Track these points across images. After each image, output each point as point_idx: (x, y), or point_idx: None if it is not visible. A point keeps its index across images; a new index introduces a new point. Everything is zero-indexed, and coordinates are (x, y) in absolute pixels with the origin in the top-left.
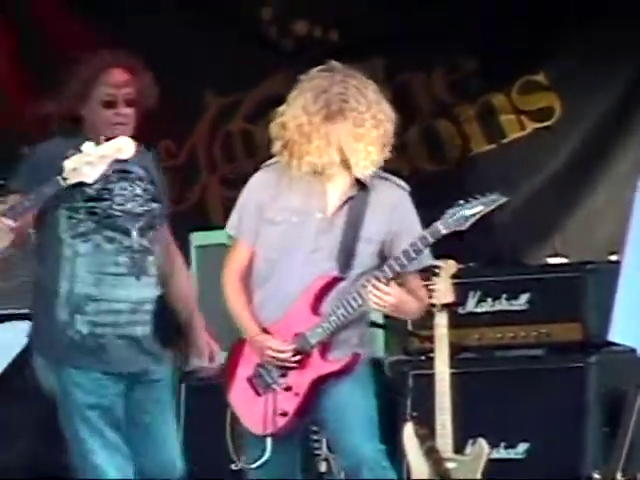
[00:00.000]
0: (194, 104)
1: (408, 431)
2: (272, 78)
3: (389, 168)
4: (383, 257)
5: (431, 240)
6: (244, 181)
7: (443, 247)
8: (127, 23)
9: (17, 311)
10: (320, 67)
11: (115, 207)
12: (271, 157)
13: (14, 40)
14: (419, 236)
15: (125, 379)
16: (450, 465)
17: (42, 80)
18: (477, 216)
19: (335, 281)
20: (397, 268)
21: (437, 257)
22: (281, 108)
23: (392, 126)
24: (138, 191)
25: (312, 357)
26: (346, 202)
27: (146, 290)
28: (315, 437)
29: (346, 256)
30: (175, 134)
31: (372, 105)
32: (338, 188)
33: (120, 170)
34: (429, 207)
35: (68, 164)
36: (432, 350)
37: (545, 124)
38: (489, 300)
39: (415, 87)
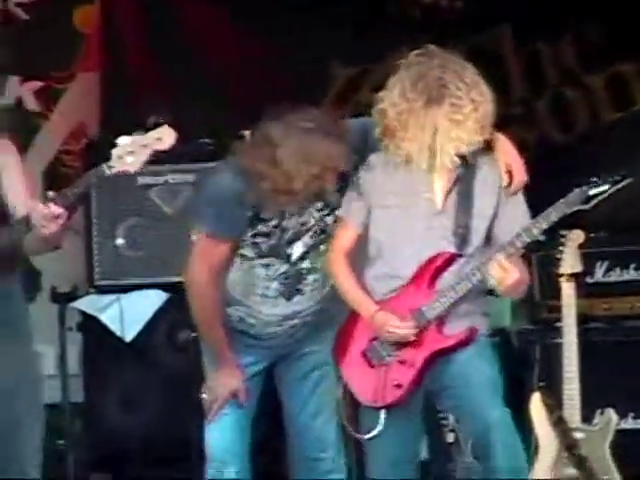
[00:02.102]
0: (321, 76)
1: (535, 401)
2: (399, 48)
3: (517, 138)
4: (490, 233)
5: (555, 219)
6: None
7: (570, 216)
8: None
9: (145, 280)
10: (418, 51)
11: None
12: None
13: (144, 26)
14: (544, 214)
15: None
16: (578, 435)
17: (171, 67)
18: (601, 196)
19: (453, 258)
20: (519, 244)
21: (564, 226)
22: (381, 94)
23: (491, 106)
24: None
25: (429, 331)
26: (455, 183)
27: None
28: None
29: (462, 233)
30: (302, 107)
31: (471, 89)
32: (444, 169)
33: None
34: (557, 177)
35: (115, 152)
36: (559, 320)
37: None
38: (617, 269)
39: (544, 56)
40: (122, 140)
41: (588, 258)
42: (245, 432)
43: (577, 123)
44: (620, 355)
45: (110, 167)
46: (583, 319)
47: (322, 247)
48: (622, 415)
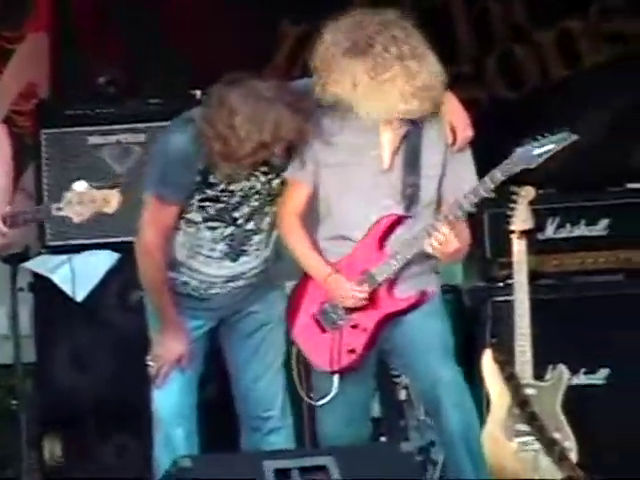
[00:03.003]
0: (271, 35)
1: (487, 358)
2: (350, 6)
3: (466, 96)
4: (439, 192)
5: (501, 178)
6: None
7: (520, 173)
8: None
9: (97, 240)
10: (375, 11)
11: None
12: None
13: None
14: (490, 174)
15: None
16: (530, 391)
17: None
18: (546, 155)
19: (401, 219)
20: (466, 206)
21: (515, 183)
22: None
23: (436, 80)
24: None
25: (379, 294)
26: (402, 141)
27: None
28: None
29: (410, 193)
30: (251, 66)
31: (407, 57)
32: (387, 126)
33: None
34: (507, 134)
35: (67, 195)
36: (511, 277)
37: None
38: (568, 226)
39: (493, 12)
40: (77, 186)
41: (539, 214)
42: (192, 395)
43: (527, 80)
44: (571, 311)
45: (58, 209)
46: (534, 276)
47: (267, 208)
48: (574, 371)
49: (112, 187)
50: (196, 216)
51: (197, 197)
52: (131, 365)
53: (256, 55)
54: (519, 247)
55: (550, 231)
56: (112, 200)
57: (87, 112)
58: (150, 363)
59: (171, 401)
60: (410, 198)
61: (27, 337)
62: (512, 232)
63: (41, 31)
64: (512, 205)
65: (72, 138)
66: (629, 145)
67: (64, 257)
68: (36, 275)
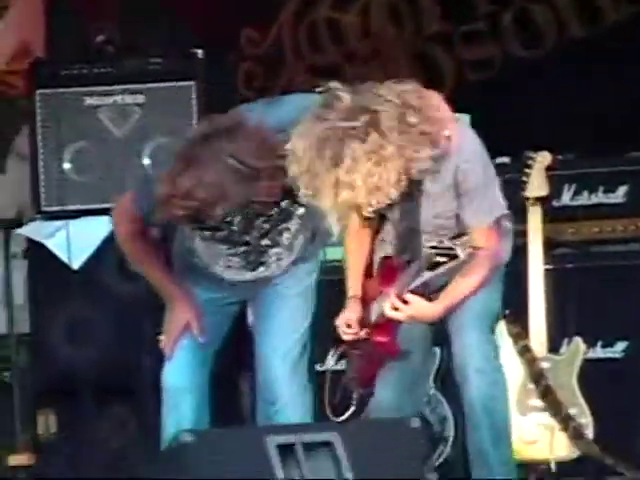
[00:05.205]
0: None
1: (501, 330)
2: None
3: (482, 56)
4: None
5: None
6: (332, 70)
7: (537, 138)
8: None
9: (94, 206)
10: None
11: None
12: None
13: None
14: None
15: None
16: (544, 365)
17: None
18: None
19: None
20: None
21: (532, 148)
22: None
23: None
24: None
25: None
26: None
27: None
28: None
29: None
30: (258, 22)
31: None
32: None
33: None
34: (522, 94)
35: None
36: (525, 245)
37: None
38: (585, 193)
39: None
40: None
41: (555, 181)
42: (204, 366)
43: (544, 38)
44: (588, 281)
45: None
46: (549, 244)
47: (283, 225)
48: (590, 344)
49: None
50: (204, 235)
51: (194, 225)
52: (129, 336)
53: (259, 13)
54: (534, 214)
55: (567, 198)
56: None
57: (84, 72)
58: (161, 337)
59: (180, 370)
60: None
61: (21, 306)
62: (527, 199)
63: None
64: (527, 171)
65: (68, 99)
66: None
67: (60, 223)
68: (30, 241)
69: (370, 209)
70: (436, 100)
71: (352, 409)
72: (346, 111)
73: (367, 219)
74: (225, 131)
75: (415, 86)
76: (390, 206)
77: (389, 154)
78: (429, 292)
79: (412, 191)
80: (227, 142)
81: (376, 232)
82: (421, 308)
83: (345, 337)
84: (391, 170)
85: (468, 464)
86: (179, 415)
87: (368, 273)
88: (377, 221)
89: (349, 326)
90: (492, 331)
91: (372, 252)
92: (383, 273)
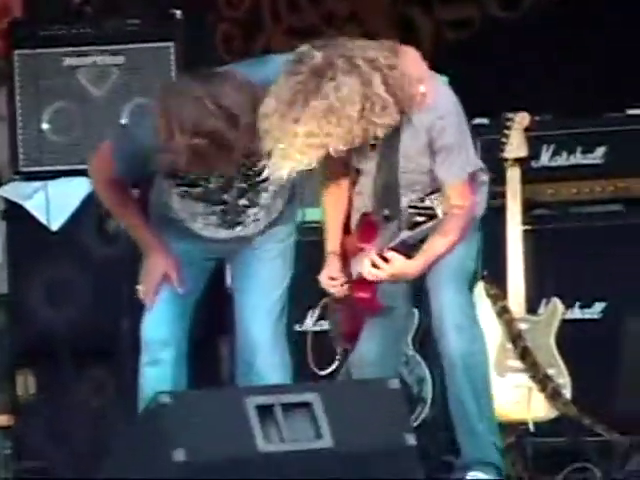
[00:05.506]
0: None
1: (479, 291)
2: None
3: (460, 16)
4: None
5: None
6: (310, 32)
7: (515, 100)
8: None
9: (72, 167)
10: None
11: None
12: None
13: None
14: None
15: None
16: (523, 326)
17: None
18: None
19: None
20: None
21: (509, 109)
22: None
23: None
24: None
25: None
26: None
27: None
28: None
29: None
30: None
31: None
32: None
33: None
34: (501, 55)
35: None
36: (504, 206)
37: None
38: (564, 154)
39: None
40: None
41: (534, 141)
42: (183, 318)
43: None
44: (566, 242)
45: None
46: (528, 205)
47: (262, 185)
48: (569, 305)
49: None
50: (182, 192)
51: (172, 182)
52: (108, 297)
53: None
54: (512, 175)
55: (545, 159)
56: None
57: (63, 32)
58: (139, 287)
59: (160, 323)
60: None
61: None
62: (505, 160)
63: None
64: (505, 132)
65: (47, 59)
66: (627, 69)
67: (38, 184)
68: (8, 202)
69: (335, 155)
70: (412, 56)
71: (336, 363)
72: (315, 67)
73: (340, 172)
74: (216, 76)
75: (390, 44)
76: (363, 157)
77: (347, 114)
78: (408, 250)
79: (387, 146)
80: (214, 87)
81: (353, 184)
82: (401, 266)
83: (332, 290)
84: (354, 131)
85: (448, 424)
86: (158, 368)
87: (347, 229)
88: (353, 175)
89: (332, 279)
90: (470, 288)
91: (350, 206)
92: (362, 230)
